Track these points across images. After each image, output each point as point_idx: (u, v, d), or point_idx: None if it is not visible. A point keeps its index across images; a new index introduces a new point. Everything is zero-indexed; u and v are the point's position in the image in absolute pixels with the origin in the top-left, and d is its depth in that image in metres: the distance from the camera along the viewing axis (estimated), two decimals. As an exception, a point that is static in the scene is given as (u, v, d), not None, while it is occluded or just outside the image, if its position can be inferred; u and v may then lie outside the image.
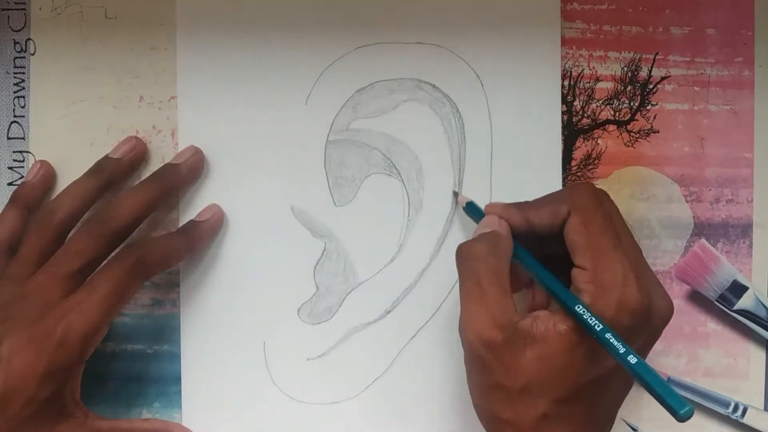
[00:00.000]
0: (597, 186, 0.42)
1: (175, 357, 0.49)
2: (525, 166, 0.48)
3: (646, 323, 0.39)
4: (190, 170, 0.47)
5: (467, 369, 0.41)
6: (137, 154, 0.48)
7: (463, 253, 0.41)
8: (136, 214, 0.45)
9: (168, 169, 0.47)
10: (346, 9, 0.48)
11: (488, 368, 0.39)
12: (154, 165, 0.49)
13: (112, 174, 0.47)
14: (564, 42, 0.49)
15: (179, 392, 0.49)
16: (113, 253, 0.44)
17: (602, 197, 0.41)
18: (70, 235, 0.45)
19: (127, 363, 0.49)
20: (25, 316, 0.42)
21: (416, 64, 0.48)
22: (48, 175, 0.48)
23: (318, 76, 0.48)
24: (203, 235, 0.47)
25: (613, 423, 0.42)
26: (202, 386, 0.49)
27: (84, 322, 0.42)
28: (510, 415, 0.39)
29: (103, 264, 0.43)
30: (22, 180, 0.48)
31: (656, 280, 0.40)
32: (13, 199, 0.47)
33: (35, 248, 0.44)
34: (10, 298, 0.42)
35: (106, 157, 0.47)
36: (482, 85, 0.48)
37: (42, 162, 0.48)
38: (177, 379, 0.49)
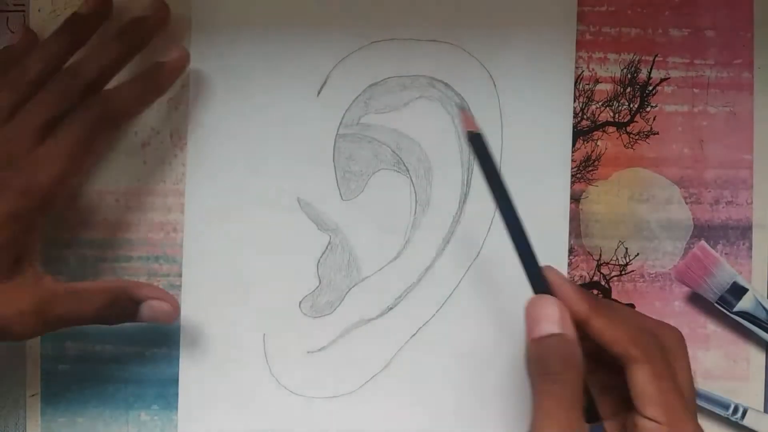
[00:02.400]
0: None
1: (173, 359, 0.49)
2: (534, 168, 0.48)
3: None
4: (157, 23, 0.47)
5: None
6: (104, 7, 0.47)
7: (542, 362, 0.38)
8: (104, 68, 0.45)
9: (135, 22, 0.47)
10: (362, 3, 0.48)
11: None
12: (154, 164, 0.49)
13: (82, 30, 0.46)
14: (563, 43, 0.49)
15: (177, 395, 0.49)
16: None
17: (676, 355, 0.39)
18: None
19: (125, 365, 0.49)
20: None
21: (430, 62, 0.48)
22: (33, 41, 0.48)
23: (331, 68, 0.48)
24: (169, 77, 0.47)
25: None
26: (200, 383, 0.48)
27: (48, 172, 0.42)
28: None
29: (69, 116, 0.43)
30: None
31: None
32: None
33: (6, 105, 0.44)
34: None
35: (74, 13, 0.46)
36: (495, 85, 0.48)
37: (28, 30, 0.48)
38: (175, 381, 0.49)
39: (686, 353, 0.40)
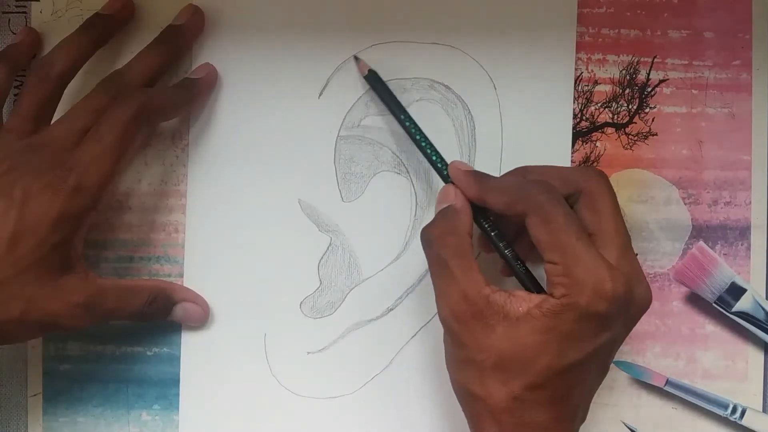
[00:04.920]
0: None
1: (175, 359, 0.49)
2: None
3: (624, 311, 0.39)
4: (194, 30, 0.48)
5: (445, 347, 0.42)
6: (126, 10, 0.48)
7: (424, 238, 0.42)
8: (148, 76, 0.46)
9: (171, 31, 0.47)
10: (362, 6, 0.48)
11: (460, 342, 0.40)
12: (155, 164, 0.49)
13: (104, 30, 0.47)
14: (562, 45, 0.49)
15: (178, 395, 0.49)
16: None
17: (559, 198, 0.40)
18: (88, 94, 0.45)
19: (127, 365, 0.49)
20: (38, 165, 0.42)
21: (430, 65, 0.48)
22: (36, 39, 0.48)
23: (333, 71, 0.49)
24: (201, 91, 0.48)
25: (586, 413, 0.42)
26: (201, 383, 0.49)
27: (97, 169, 0.42)
28: (482, 392, 0.39)
29: (105, 113, 0.44)
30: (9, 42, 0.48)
31: (637, 269, 0.40)
32: (0, 57, 0.47)
33: (35, 101, 0.45)
34: (19, 149, 0.43)
35: (96, 13, 0.47)
36: (495, 88, 0.48)
37: (30, 28, 0.48)
38: (176, 382, 0.49)
39: (605, 191, 0.41)
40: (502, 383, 0.39)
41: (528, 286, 0.42)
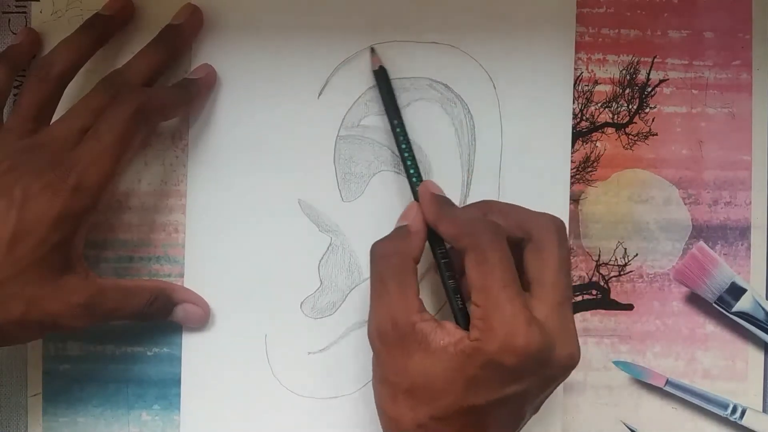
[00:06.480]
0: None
1: (175, 359, 0.49)
2: (534, 170, 0.48)
3: (538, 367, 0.39)
4: (192, 29, 0.48)
5: (372, 361, 0.42)
6: (126, 10, 0.48)
7: (372, 253, 0.42)
8: (147, 76, 0.46)
9: (170, 30, 0.47)
10: (362, 6, 0.48)
11: (381, 361, 0.41)
12: (155, 164, 0.49)
13: (104, 30, 0.47)
14: (563, 45, 0.49)
15: (179, 395, 0.49)
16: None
17: (500, 241, 0.40)
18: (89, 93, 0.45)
19: (127, 365, 0.49)
20: (37, 165, 0.42)
21: (430, 64, 0.48)
22: (36, 40, 0.48)
23: (332, 71, 0.48)
24: (200, 91, 0.47)
25: None
26: (202, 383, 0.49)
27: (97, 169, 0.42)
28: (394, 413, 0.40)
29: (105, 113, 0.43)
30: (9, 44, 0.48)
31: (566, 329, 0.40)
32: (0, 58, 0.47)
33: (35, 101, 0.45)
34: (19, 149, 0.43)
35: (96, 14, 0.47)
36: (495, 87, 0.48)
37: (30, 29, 0.48)
38: (177, 382, 0.49)
39: (554, 242, 0.40)
40: (410, 408, 0.39)
41: (459, 322, 0.42)
